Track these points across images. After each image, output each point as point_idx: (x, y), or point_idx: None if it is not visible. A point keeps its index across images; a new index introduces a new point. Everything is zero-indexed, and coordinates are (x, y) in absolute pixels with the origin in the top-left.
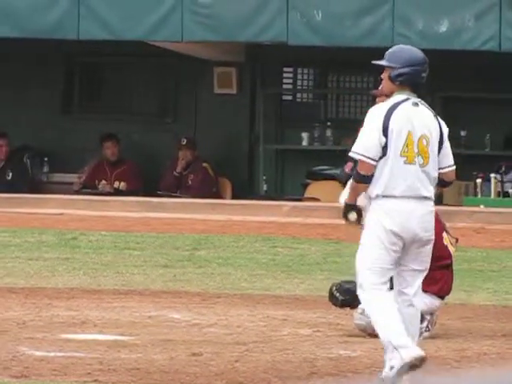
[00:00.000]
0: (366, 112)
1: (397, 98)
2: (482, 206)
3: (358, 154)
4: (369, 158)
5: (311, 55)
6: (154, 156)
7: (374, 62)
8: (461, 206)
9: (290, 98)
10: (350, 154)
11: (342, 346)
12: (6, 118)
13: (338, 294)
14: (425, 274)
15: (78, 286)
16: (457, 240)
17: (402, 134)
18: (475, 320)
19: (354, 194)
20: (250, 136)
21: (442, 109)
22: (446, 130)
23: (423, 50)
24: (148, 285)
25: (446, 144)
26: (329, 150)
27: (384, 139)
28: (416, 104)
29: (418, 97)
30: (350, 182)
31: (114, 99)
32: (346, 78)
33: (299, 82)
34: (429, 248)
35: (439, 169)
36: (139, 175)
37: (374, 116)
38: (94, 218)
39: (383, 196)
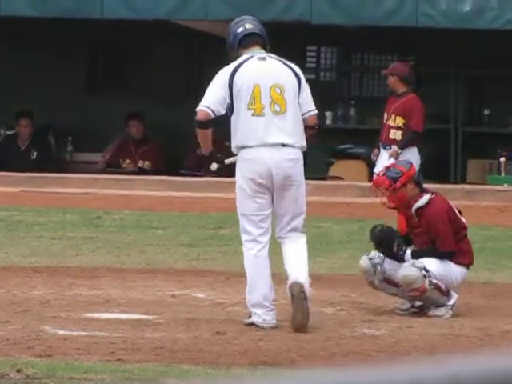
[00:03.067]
0: (389, 91)
1: (242, 57)
2: (505, 185)
3: (201, 105)
4: (207, 107)
5: (334, 34)
6: (178, 135)
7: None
8: (484, 184)
9: (313, 76)
10: (197, 108)
11: (365, 324)
12: (30, 97)
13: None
14: (300, 216)
15: (101, 265)
16: (459, 211)
17: (248, 88)
18: (499, 298)
19: (203, 143)
20: None
21: (465, 87)
22: (302, 75)
23: (447, 30)
24: (172, 264)
25: (305, 90)
26: (352, 128)
27: (229, 96)
28: (262, 58)
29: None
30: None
31: (138, 78)
32: (370, 56)
33: (322, 61)
34: (293, 193)
35: (302, 115)
36: (164, 154)
37: (221, 75)
38: (118, 197)
39: (241, 147)
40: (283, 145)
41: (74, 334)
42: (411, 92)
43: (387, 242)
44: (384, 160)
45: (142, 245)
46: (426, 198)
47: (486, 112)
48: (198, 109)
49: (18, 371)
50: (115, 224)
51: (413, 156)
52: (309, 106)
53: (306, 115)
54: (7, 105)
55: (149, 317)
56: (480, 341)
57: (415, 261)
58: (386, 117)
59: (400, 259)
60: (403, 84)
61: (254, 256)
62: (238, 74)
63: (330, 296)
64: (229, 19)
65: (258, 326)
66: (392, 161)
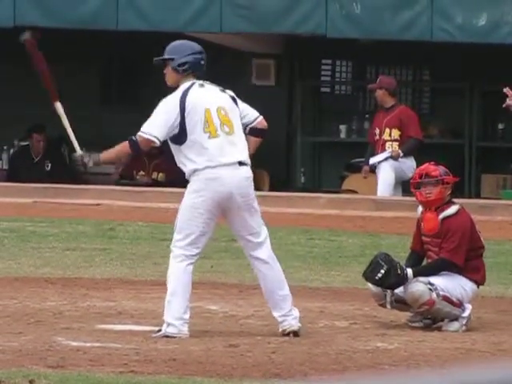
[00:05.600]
0: (404, 103)
1: (184, 85)
2: None
3: (146, 133)
4: (155, 137)
5: (349, 47)
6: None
7: (155, 59)
8: (498, 199)
9: (328, 90)
10: (139, 133)
11: (378, 338)
12: (44, 108)
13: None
14: (262, 234)
15: (115, 276)
16: (479, 231)
17: (201, 113)
18: None
19: (117, 156)
20: (287, 128)
21: (479, 102)
22: (236, 97)
23: (462, 44)
24: None
25: (242, 105)
26: (367, 142)
27: (179, 124)
28: (202, 85)
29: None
30: None
31: (151, 90)
32: (385, 70)
33: (337, 75)
34: (252, 210)
35: (250, 123)
36: (177, 166)
37: (168, 103)
38: (132, 208)
39: (200, 168)
40: (240, 163)
41: (87, 345)
42: (400, 104)
43: (393, 270)
44: (385, 172)
45: (155, 257)
46: (454, 208)
47: (500, 126)
48: (143, 135)
49: (30, 382)
50: (129, 236)
51: (411, 164)
52: (254, 113)
53: (255, 121)
54: (21, 116)
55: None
56: (492, 356)
57: (418, 277)
58: (377, 132)
59: (404, 279)
60: (391, 97)
61: (183, 268)
62: (188, 101)
63: (343, 309)
64: (243, 32)
65: (171, 337)
66: (389, 164)
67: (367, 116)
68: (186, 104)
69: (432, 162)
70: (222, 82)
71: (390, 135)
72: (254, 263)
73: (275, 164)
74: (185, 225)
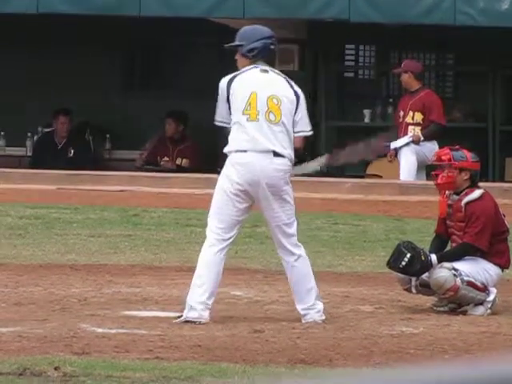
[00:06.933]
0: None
1: (245, 68)
2: None
3: (217, 121)
4: (224, 123)
5: (373, 32)
6: (215, 133)
7: (226, 45)
8: None
9: (351, 74)
10: (215, 122)
11: (404, 322)
12: (67, 95)
13: (406, 251)
14: (291, 226)
15: (139, 262)
16: (503, 214)
17: (244, 95)
18: None
19: None
20: (311, 113)
21: (503, 86)
22: (302, 95)
23: (485, 28)
24: None
25: (301, 109)
26: (391, 126)
27: (227, 102)
28: (265, 71)
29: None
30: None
31: (175, 76)
32: (408, 54)
33: (361, 59)
34: (281, 202)
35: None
36: (201, 152)
37: (221, 85)
38: (156, 194)
39: (233, 151)
40: (275, 153)
41: (112, 331)
42: (425, 87)
43: (417, 258)
44: (406, 157)
45: (180, 242)
46: (478, 192)
47: None
48: (220, 126)
49: (55, 369)
50: (153, 222)
51: (433, 147)
52: (300, 126)
53: (295, 134)
54: (45, 103)
55: None
56: None
57: (443, 263)
58: (401, 114)
59: (428, 266)
60: (417, 80)
61: (213, 253)
62: (234, 82)
63: (369, 294)
64: (267, 17)
65: (192, 322)
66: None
67: (391, 100)
68: (233, 84)
69: (456, 146)
70: None
71: (412, 118)
72: (281, 255)
73: None
74: (216, 209)
